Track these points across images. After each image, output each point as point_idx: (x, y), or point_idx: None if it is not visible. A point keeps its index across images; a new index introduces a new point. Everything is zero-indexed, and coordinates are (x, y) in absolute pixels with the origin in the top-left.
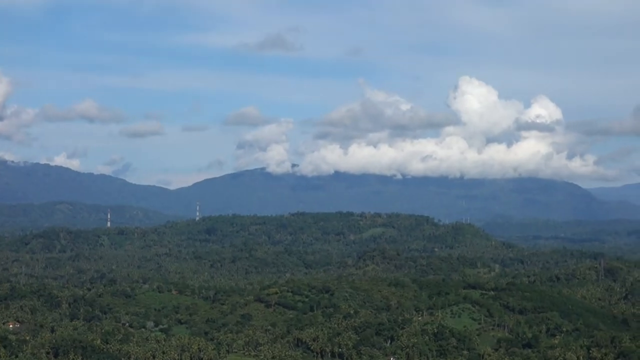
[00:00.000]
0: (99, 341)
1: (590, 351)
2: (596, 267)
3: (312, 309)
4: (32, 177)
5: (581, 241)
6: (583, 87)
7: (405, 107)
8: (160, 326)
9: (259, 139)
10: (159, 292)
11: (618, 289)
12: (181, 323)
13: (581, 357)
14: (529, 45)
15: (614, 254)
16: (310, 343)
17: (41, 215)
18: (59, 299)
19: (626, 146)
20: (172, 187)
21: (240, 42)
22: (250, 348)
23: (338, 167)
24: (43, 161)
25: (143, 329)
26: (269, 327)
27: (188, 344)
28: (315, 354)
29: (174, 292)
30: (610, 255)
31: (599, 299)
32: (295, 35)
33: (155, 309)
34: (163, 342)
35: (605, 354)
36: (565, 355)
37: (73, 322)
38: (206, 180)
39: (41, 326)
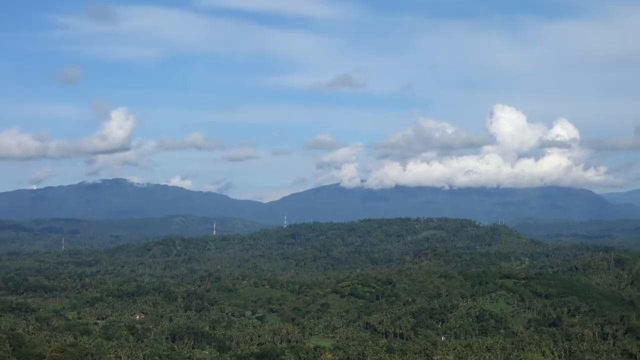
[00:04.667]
0: (207, 328)
1: (604, 328)
2: (607, 259)
3: (377, 298)
4: (152, 196)
5: (595, 237)
6: (595, 111)
7: (450, 130)
8: (256, 314)
9: (334, 160)
10: (255, 286)
11: (626, 276)
12: (273, 312)
13: (596, 333)
14: (551, 77)
15: (622, 248)
16: (376, 326)
17: (160, 226)
18: (175, 294)
19: (631, 158)
20: (264, 201)
21: (316, 81)
22: (328, 331)
23: (398, 181)
24: (162, 183)
25: (242, 317)
26: (343, 314)
27: (279, 329)
28: (380, 334)
29: (267, 286)
30: (619, 248)
31: (610, 285)
32: (359, 74)
33: (252, 301)
34: (259, 328)
35: (616, 330)
36: (583, 331)
37: (187, 313)
38: (292, 195)
39: (161, 316)
